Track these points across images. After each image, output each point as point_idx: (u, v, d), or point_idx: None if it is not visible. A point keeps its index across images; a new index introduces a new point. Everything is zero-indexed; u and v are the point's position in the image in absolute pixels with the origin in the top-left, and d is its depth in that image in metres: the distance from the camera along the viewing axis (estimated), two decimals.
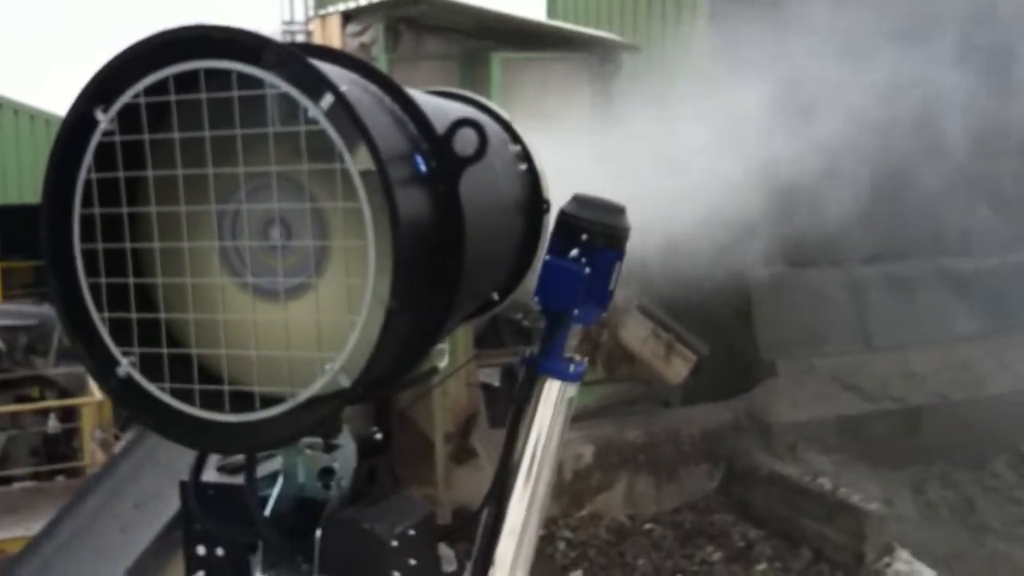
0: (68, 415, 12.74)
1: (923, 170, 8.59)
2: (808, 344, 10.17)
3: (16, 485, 12.21)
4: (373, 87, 1.58)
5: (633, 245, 1.92)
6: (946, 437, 9.59)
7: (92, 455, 11.77)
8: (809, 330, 10.20)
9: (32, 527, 9.99)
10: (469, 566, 1.88)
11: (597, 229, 1.83)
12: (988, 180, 10.21)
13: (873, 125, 7.54)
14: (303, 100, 1.39)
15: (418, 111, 1.58)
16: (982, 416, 9.55)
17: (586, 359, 1.94)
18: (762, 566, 9.11)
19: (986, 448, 9.64)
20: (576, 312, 1.85)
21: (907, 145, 8.14)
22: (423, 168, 1.52)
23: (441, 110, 1.68)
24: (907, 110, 7.88)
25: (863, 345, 10.40)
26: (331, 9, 10.22)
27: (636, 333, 9.79)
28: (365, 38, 9.26)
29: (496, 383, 11.14)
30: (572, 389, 1.90)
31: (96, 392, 11.67)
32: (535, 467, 1.88)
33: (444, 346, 1.83)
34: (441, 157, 1.54)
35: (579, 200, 1.87)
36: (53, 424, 12.78)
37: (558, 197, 1.98)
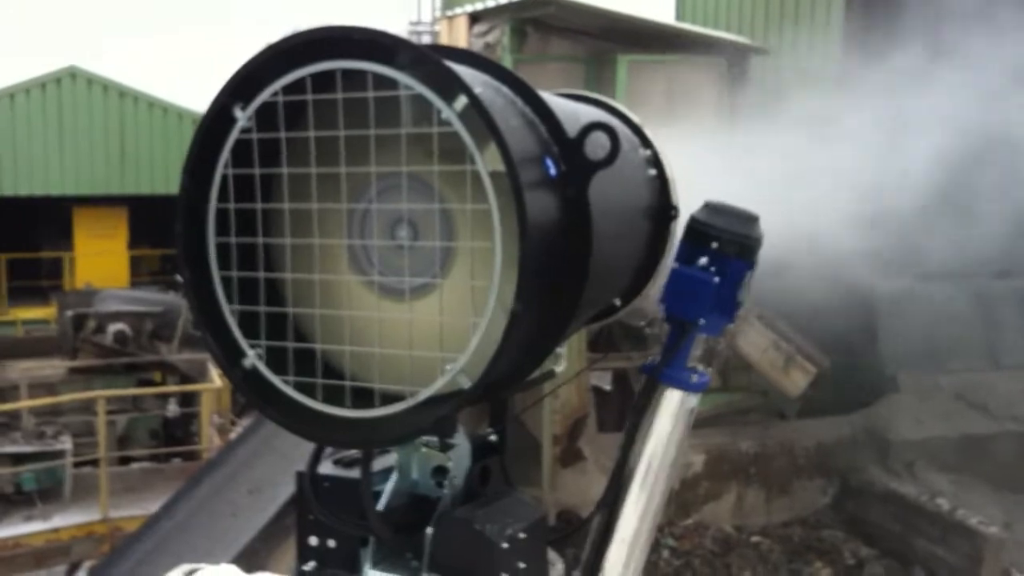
0: (187, 400, 13.15)
1: None
2: (933, 360, 9.88)
3: (135, 465, 12.66)
4: (505, 89, 1.57)
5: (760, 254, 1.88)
6: None
7: (209, 440, 12.12)
8: (934, 346, 9.91)
9: (149, 507, 10.35)
10: (577, 574, 1.87)
11: (728, 238, 1.80)
12: None
13: (1008, 139, 7.28)
14: (437, 101, 1.39)
15: (550, 113, 1.56)
16: None
17: (710, 369, 1.90)
18: None
19: None
20: (702, 322, 1.82)
21: None
22: (553, 171, 1.51)
23: (572, 113, 1.67)
24: None
25: (990, 363, 10.06)
26: (458, 10, 10.32)
27: (755, 343, 9.64)
28: (490, 38, 9.32)
29: (606, 387, 11.09)
30: (693, 400, 1.88)
31: (216, 379, 12.00)
32: (651, 476, 1.86)
33: (562, 350, 1.82)
34: (572, 161, 1.53)
35: (711, 207, 1.84)
36: (173, 408, 13.22)
37: (685, 204, 1.95)
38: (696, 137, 3.65)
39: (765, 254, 1.92)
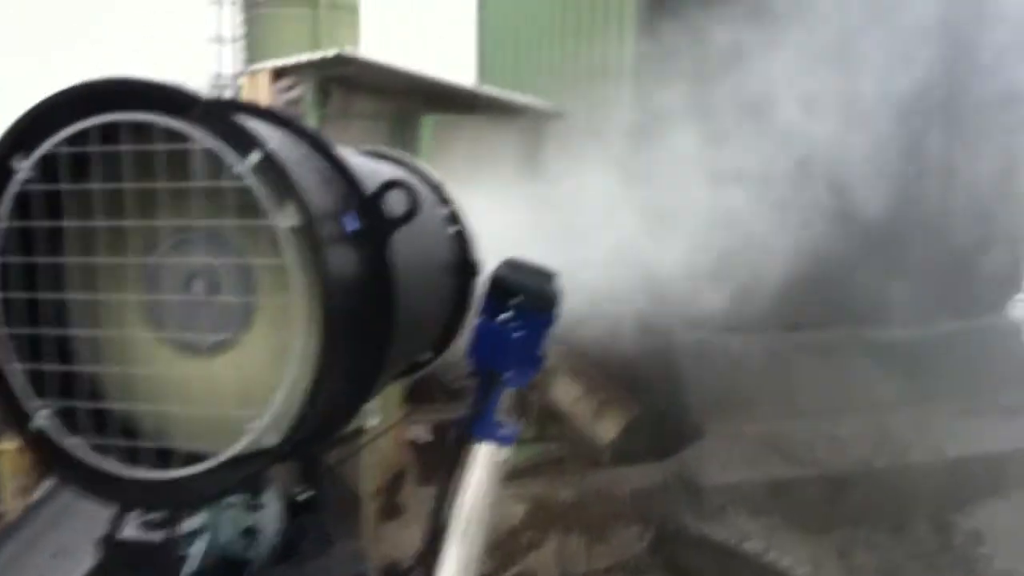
0: None
1: (841, 240, 8.79)
2: (735, 408, 10.24)
3: None
4: (303, 145, 1.56)
5: (563, 306, 1.92)
6: (870, 502, 9.69)
7: (10, 502, 11.37)
8: (736, 395, 10.28)
9: None
10: None
11: (529, 293, 1.83)
12: (906, 252, 10.48)
13: (794, 194, 7.72)
14: (230, 156, 1.37)
15: (348, 171, 1.56)
16: (904, 482, 9.69)
17: (518, 421, 1.92)
18: None
19: (908, 514, 9.76)
20: (508, 375, 1.84)
21: (827, 216, 8.34)
22: (352, 227, 1.51)
23: (372, 170, 1.68)
24: (827, 180, 8.09)
25: (788, 411, 10.51)
26: (261, 65, 10.21)
27: (568, 392, 9.79)
28: (294, 94, 9.24)
29: (425, 439, 11.03)
30: (504, 452, 1.89)
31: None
32: (467, 528, 1.86)
33: (374, 405, 1.80)
34: (371, 218, 1.53)
35: (511, 264, 1.87)
36: None
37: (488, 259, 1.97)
38: (498, 194, 3.71)
39: (571, 304, 1.96)
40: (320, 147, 1.58)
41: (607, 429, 9.88)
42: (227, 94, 19.02)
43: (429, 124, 9.29)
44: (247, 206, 1.39)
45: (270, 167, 1.36)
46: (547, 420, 10.10)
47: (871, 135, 8.03)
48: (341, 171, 1.57)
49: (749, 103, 6.88)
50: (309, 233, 1.36)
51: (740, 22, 7.13)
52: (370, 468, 8.93)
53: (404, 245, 1.57)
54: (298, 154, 1.50)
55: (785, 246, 7.79)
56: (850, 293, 10.00)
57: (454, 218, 2.05)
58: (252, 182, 1.36)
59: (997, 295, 12.00)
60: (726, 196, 6.60)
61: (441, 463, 1.93)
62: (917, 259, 10.64)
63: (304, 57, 9.41)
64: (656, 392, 10.02)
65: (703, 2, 7.91)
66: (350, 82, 9.35)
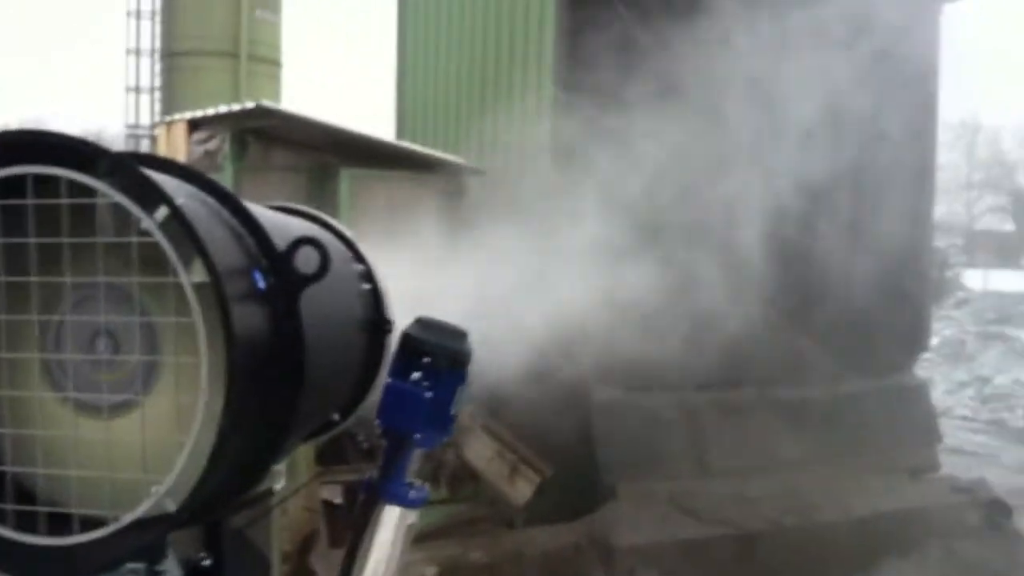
0: None
1: (751, 302, 8.97)
2: (647, 467, 10.30)
3: None
4: (212, 200, 1.54)
5: (477, 365, 1.91)
6: (780, 562, 9.77)
7: None
8: (647, 454, 10.34)
9: None
10: None
11: (440, 352, 1.82)
12: (814, 313, 10.71)
13: (704, 255, 7.87)
14: (136, 211, 1.34)
15: (258, 227, 1.55)
16: (812, 541, 9.80)
17: (427, 484, 1.90)
18: None
19: (817, 573, 9.87)
20: (418, 436, 1.82)
21: (734, 275, 8.50)
22: (261, 284, 1.49)
23: (283, 226, 1.66)
24: (736, 242, 8.26)
25: (699, 470, 10.59)
26: (177, 116, 10.11)
27: (481, 453, 9.73)
28: (211, 146, 9.16)
29: (337, 500, 10.86)
30: (412, 515, 1.86)
31: None
32: None
33: (281, 467, 1.77)
34: (281, 274, 1.51)
35: (422, 323, 1.85)
36: None
37: (403, 317, 1.96)
38: (415, 251, 3.71)
39: (484, 362, 1.95)
40: (230, 202, 1.56)
41: (521, 490, 9.83)
42: (143, 144, 18.83)
43: (348, 178, 9.27)
44: (153, 262, 1.36)
45: (178, 222, 1.34)
46: (460, 480, 10.03)
47: (779, 201, 8.23)
48: (251, 227, 1.55)
49: (661, 163, 7.02)
50: (216, 290, 1.34)
51: (655, 80, 7.28)
52: (281, 531, 8.76)
53: (314, 303, 1.55)
54: (207, 209, 1.48)
55: (695, 306, 7.91)
56: (760, 353, 10.17)
57: (367, 275, 2.04)
58: (159, 238, 1.34)
59: (903, 354, 12.32)
60: (639, 257, 6.69)
61: (350, 526, 1.90)
62: (826, 320, 10.87)
63: (222, 108, 9.35)
64: (570, 451, 10.03)
65: (618, 65, 8.07)
66: (268, 134, 9.30)
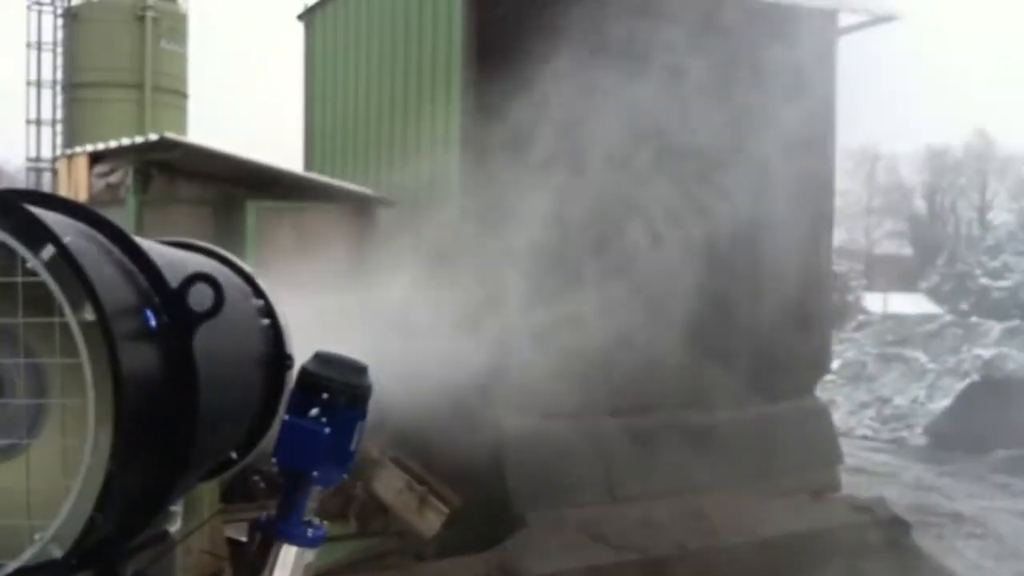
0: None
1: (658, 330, 9.08)
2: (557, 495, 10.32)
3: None
4: (101, 237, 1.51)
5: (384, 398, 1.89)
6: None
7: None
8: (558, 481, 10.37)
9: None
10: None
11: (338, 388, 1.78)
12: (719, 339, 10.89)
13: (613, 287, 7.96)
14: (22, 250, 1.31)
15: (150, 264, 1.52)
16: (719, 564, 9.92)
17: (325, 523, 1.86)
18: None
19: None
20: (316, 474, 1.79)
21: (642, 302, 8.61)
22: (154, 323, 1.46)
23: (177, 263, 1.63)
24: (642, 275, 8.38)
25: (609, 496, 10.65)
26: (79, 149, 9.90)
27: (390, 485, 9.63)
28: (113, 179, 8.98)
29: (243, 538, 10.63)
30: (310, 555, 1.83)
31: None
32: None
33: (178, 508, 1.73)
34: (173, 312, 1.49)
35: (320, 357, 1.83)
36: None
37: (305, 353, 1.93)
38: (320, 285, 3.68)
39: (387, 394, 1.93)
40: (122, 240, 1.54)
41: (430, 521, 9.76)
42: (44, 177, 18.37)
43: (255, 211, 9.15)
44: (40, 302, 1.33)
45: (65, 261, 1.31)
46: (370, 514, 9.91)
47: (685, 233, 8.38)
48: (143, 264, 1.52)
49: (568, 202, 7.09)
50: (103, 329, 1.31)
51: (561, 119, 7.37)
52: (184, 573, 8.54)
53: (210, 340, 1.52)
54: (97, 247, 1.45)
55: (603, 336, 7.98)
56: (667, 380, 10.29)
57: (267, 311, 2.01)
58: (45, 277, 1.31)
59: (806, 378, 12.57)
60: (549, 288, 6.74)
61: (247, 565, 1.86)
62: (730, 346, 11.06)
63: (125, 140, 9.18)
64: (481, 481, 10.01)
65: (526, 93, 8.15)
66: (173, 167, 9.14)
